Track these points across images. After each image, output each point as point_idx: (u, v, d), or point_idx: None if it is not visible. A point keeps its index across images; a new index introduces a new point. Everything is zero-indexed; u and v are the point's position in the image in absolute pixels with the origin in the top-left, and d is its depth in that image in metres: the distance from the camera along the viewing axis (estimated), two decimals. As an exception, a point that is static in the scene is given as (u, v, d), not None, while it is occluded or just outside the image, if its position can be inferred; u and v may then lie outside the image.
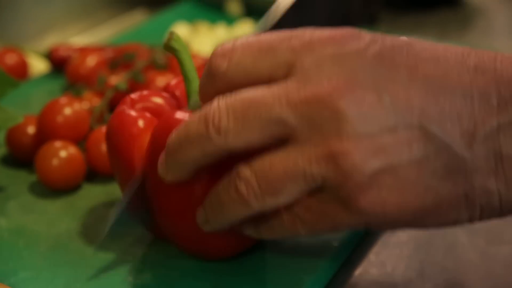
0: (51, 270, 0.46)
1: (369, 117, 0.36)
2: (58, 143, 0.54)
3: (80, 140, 0.56)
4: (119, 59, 0.67)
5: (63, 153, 0.54)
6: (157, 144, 0.42)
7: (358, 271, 0.48)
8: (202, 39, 0.79)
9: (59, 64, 0.72)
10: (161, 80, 0.64)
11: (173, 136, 0.40)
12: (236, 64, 0.39)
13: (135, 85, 0.64)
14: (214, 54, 0.40)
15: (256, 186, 0.38)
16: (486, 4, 0.97)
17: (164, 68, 0.67)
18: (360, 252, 0.49)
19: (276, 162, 0.37)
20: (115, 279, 0.45)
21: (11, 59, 0.69)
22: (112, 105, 0.59)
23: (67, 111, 0.56)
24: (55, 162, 0.54)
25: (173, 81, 0.49)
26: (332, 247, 0.48)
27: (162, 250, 0.48)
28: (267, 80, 0.38)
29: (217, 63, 0.40)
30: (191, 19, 0.84)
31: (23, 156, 0.57)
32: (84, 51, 0.69)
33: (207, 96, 0.41)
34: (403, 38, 0.39)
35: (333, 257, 0.47)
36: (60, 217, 0.51)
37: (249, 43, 0.39)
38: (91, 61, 0.67)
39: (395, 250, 0.49)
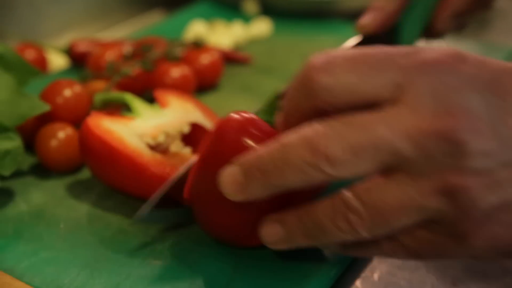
0: (71, 251, 0.46)
1: (488, 151, 0.34)
2: (57, 125, 0.55)
3: (80, 122, 0.55)
4: (136, 50, 0.67)
5: (61, 134, 0.54)
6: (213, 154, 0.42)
7: (362, 275, 0.47)
8: (219, 36, 0.79)
9: (78, 59, 0.72)
10: (175, 71, 0.65)
11: (265, 157, 0.37)
12: (340, 80, 0.35)
13: (147, 74, 0.64)
14: (312, 66, 0.36)
15: (367, 219, 0.35)
16: (505, 4, 0.97)
17: (178, 60, 0.67)
18: (358, 265, 0.48)
19: (388, 194, 0.35)
20: (135, 260, 0.45)
21: (30, 54, 0.70)
22: (120, 90, 0.60)
23: (67, 92, 0.56)
24: (53, 143, 0.54)
25: None
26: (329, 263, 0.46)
27: (183, 232, 0.48)
28: (372, 100, 0.35)
29: (318, 77, 0.36)
30: (208, 17, 0.85)
31: (24, 138, 0.56)
32: (104, 45, 0.70)
33: (299, 112, 0.37)
34: (509, 63, 0.37)
35: (337, 260, 0.45)
36: (79, 200, 0.52)
37: (353, 57, 0.36)
38: (112, 53, 0.67)
39: (390, 263, 0.48)
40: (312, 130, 0.35)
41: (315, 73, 0.36)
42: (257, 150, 0.37)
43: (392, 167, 0.35)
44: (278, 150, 0.36)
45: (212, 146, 0.42)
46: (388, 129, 0.34)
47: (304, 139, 0.35)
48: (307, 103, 0.37)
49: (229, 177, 0.38)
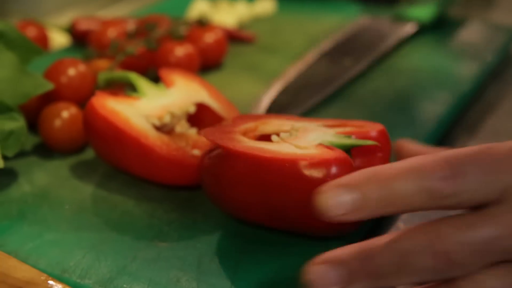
0: (76, 233, 0.45)
1: None
2: (61, 104, 0.54)
3: (84, 101, 0.54)
4: (139, 29, 0.66)
5: (65, 114, 0.53)
6: None
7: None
8: (222, 14, 0.78)
9: (80, 37, 0.71)
10: (179, 50, 0.64)
11: (377, 259, 0.36)
12: (469, 186, 0.35)
13: (151, 53, 0.64)
14: (444, 176, 0.35)
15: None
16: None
17: (182, 38, 0.66)
18: None
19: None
20: (142, 242, 0.44)
21: (31, 32, 0.69)
22: (123, 69, 0.59)
23: (71, 71, 0.55)
24: (57, 123, 0.53)
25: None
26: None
27: (189, 214, 0.47)
28: (480, 201, 0.36)
29: (447, 185, 0.35)
30: (211, -4, 0.84)
31: (27, 117, 0.55)
32: (107, 23, 0.69)
33: (409, 207, 0.36)
34: None
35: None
36: (83, 181, 0.51)
37: (479, 158, 0.36)
38: (114, 31, 0.66)
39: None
40: (437, 236, 0.35)
41: (444, 183, 0.35)
42: (362, 248, 0.36)
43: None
44: (394, 254, 0.35)
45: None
46: (500, 228, 0.35)
47: (424, 244, 0.35)
48: (427, 205, 0.35)
49: (325, 280, 0.36)
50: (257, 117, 0.48)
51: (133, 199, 0.49)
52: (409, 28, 0.76)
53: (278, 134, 0.45)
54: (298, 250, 0.44)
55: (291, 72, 0.67)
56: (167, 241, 0.45)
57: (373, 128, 0.45)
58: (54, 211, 0.47)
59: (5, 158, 0.50)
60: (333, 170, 0.40)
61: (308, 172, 0.40)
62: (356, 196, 0.35)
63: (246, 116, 0.49)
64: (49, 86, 0.52)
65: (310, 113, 0.60)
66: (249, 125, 0.47)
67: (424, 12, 0.78)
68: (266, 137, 0.45)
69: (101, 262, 0.43)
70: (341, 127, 0.46)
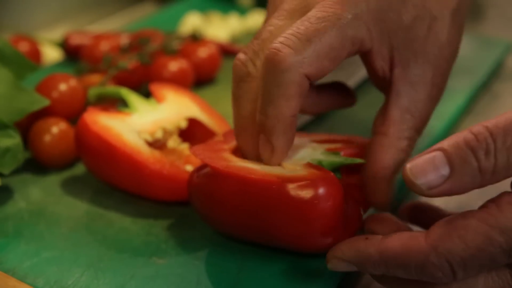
0: (73, 250, 0.45)
1: None
2: (50, 120, 0.54)
3: (75, 117, 0.55)
4: (132, 43, 0.66)
5: (55, 130, 0.53)
6: None
7: (364, 280, 0.47)
8: (215, 28, 0.78)
9: (72, 52, 0.71)
10: (173, 65, 0.64)
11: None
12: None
13: (144, 68, 0.64)
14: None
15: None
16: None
17: (175, 53, 0.66)
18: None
19: None
20: (140, 260, 0.44)
21: (24, 47, 0.69)
22: (116, 84, 0.59)
23: (63, 87, 0.55)
24: (47, 138, 0.53)
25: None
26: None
27: (186, 230, 0.47)
28: None
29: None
30: (202, 9, 0.84)
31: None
32: (99, 37, 0.69)
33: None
34: None
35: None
36: (78, 197, 0.51)
37: None
38: (107, 45, 0.66)
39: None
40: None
41: None
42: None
43: None
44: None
45: None
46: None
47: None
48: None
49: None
50: None
51: (130, 215, 0.49)
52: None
53: None
54: (297, 266, 0.44)
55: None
56: (165, 258, 0.45)
57: (362, 144, 0.45)
58: (50, 229, 0.47)
59: (1, 175, 0.50)
60: (320, 191, 0.40)
61: (295, 194, 0.40)
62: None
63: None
64: (45, 102, 0.52)
65: (302, 128, 0.61)
66: None
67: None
68: None
69: (100, 280, 0.42)
70: (331, 143, 0.46)
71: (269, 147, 0.42)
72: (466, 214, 0.36)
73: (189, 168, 0.49)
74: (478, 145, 0.35)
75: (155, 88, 0.56)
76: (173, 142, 0.52)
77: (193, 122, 0.53)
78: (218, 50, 0.69)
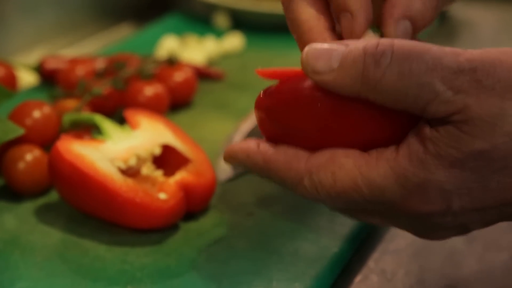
0: (48, 280, 0.45)
1: None
2: (24, 147, 0.54)
3: (49, 143, 0.54)
4: (108, 68, 0.66)
5: (29, 157, 0.53)
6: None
7: (358, 278, 0.47)
8: (191, 51, 0.78)
9: (48, 76, 0.71)
10: (148, 90, 0.64)
11: None
12: None
13: (119, 93, 0.64)
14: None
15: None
16: (471, 17, 0.98)
17: (151, 78, 0.66)
18: (360, 258, 0.49)
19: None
20: (114, 288, 0.44)
21: (-1, 72, 0.69)
22: (91, 111, 0.59)
23: (36, 114, 0.55)
24: (21, 166, 0.53)
25: None
26: (332, 253, 0.47)
27: (161, 258, 0.47)
28: None
29: None
30: (178, 31, 0.84)
31: None
32: (75, 62, 0.69)
33: None
34: None
35: (332, 264, 0.47)
36: (52, 225, 0.51)
37: None
38: (82, 70, 0.66)
39: (394, 256, 0.49)
40: None
41: None
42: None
43: None
44: None
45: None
46: None
47: None
48: None
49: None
50: None
51: (104, 243, 0.49)
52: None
53: None
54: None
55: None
56: (140, 287, 0.44)
57: None
58: (25, 258, 0.47)
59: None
60: None
61: None
62: None
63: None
64: (19, 131, 0.51)
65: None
66: None
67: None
68: None
69: (74, 311, 0.42)
70: None
71: (348, 16, 0.40)
72: (348, 151, 0.38)
73: (163, 196, 0.49)
74: (373, 53, 0.35)
75: (129, 114, 0.56)
76: (147, 169, 0.52)
77: (167, 149, 0.54)
78: (194, 73, 0.70)
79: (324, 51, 0.37)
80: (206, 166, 0.53)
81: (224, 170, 0.57)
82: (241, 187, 0.55)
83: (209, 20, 0.89)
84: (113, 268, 0.46)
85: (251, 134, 0.63)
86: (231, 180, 0.56)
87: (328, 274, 0.46)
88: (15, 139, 0.54)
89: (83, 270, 0.46)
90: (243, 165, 0.41)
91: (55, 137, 0.54)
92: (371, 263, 0.48)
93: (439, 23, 0.91)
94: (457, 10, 0.99)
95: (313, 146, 0.39)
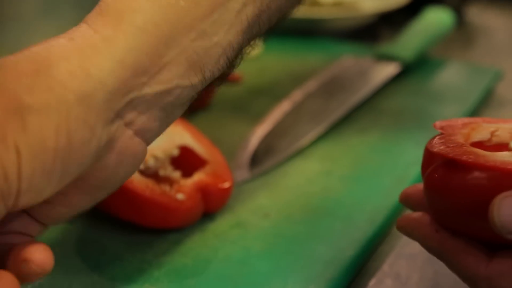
0: (66, 277, 0.46)
1: None
2: None
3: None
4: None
5: None
6: None
7: (372, 282, 0.48)
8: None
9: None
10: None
11: None
12: None
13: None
14: None
15: None
16: (488, 23, 0.98)
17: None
18: (374, 262, 0.50)
19: None
20: (132, 287, 0.45)
21: None
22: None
23: None
24: None
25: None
26: (347, 257, 0.48)
27: (178, 258, 0.48)
28: None
29: None
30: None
31: None
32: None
33: None
34: None
35: (347, 267, 0.47)
36: (72, 223, 0.51)
37: None
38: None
39: (409, 261, 0.49)
40: None
41: None
42: None
43: None
44: None
45: None
46: None
47: None
48: None
49: None
50: (464, 124, 0.44)
51: (123, 242, 0.49)
52: (392, 68, 0.78)
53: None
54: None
55: (277, 113, 0.68)
56: (158, 286, 0.45)
57: None
58: None
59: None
60: None
61: None
62: None
63: (451, 123, 0.44)
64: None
65: (296, 155, 0.61)
66: (463, 132, 0.43)
67: (406, 51, 0.80)
68: (479, 145, 0.41)
69: (92, 308, 0.43)
70: None
71: None
72: None
73: (181, 196, 0.50)
74: None
75: (148, 115, 0.56)
76: (165, 170, 0.52)
77: (185, 150, 0.54)
78: (212, 76, 0.70)
79: None
80: (223, 167, 0.53)
81: (241, 171, 0.57)
82: (257, 189, 0.56)
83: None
84: (131, 266, 0.47)
85: (267, 137, 0.64)
86: (247, 181, 0.57)
87: (343, 277, 0.47)
88: None
89: (101, 268, 0.47)
90: (417, 241, 0.41)
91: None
92: (385, 267, 0.49)
93: (456, 29, 0.91)
94: (474, 16, 0.99)
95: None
